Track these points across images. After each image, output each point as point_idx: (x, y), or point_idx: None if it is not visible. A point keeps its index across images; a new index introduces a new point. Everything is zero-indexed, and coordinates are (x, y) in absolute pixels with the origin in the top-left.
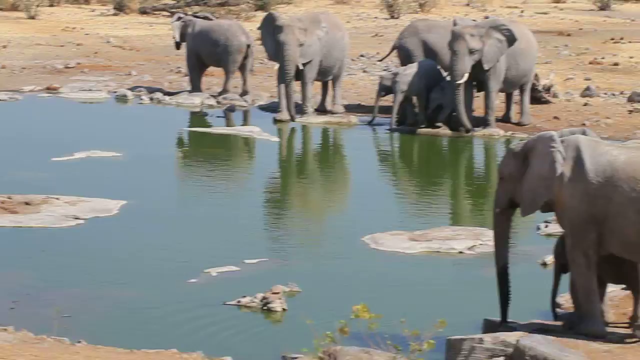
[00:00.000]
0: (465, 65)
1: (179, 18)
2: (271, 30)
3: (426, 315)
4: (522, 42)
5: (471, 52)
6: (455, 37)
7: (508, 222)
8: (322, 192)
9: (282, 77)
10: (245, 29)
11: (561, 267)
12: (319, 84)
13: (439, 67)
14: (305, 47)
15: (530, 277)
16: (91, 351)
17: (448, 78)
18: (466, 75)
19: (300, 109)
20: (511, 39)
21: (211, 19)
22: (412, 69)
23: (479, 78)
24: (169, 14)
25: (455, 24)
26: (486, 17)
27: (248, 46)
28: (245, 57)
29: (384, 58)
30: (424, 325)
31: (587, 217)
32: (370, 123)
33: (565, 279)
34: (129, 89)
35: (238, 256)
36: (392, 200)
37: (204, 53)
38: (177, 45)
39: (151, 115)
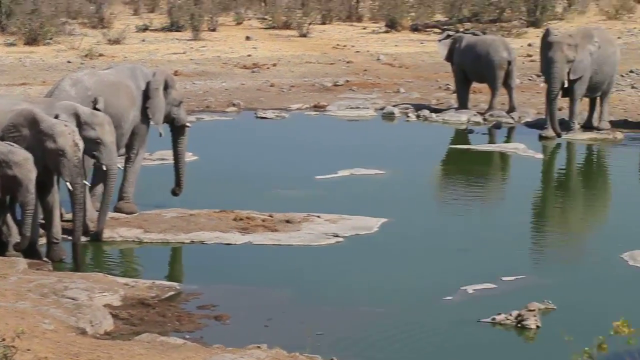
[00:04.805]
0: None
1: (448, 36)
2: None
3: None
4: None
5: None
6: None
7: None
8: (582, 208)
9: (548, 93)
10: (508, 44)
11: None
12: (586, 100)
13: None
14: (575, 63)
15: None
16: None
17: None
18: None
19: (566, 126)
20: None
21: (478, 35)
22: None
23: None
24: (440, 31)
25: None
26: None
27: (509, 62)
28: (507, 74)
29: None
30: None
31: None
32: None
33: None
34: (395, 106)
35: (495, 273)
36: None
37: (468, 68)
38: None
39: (416, 133)
